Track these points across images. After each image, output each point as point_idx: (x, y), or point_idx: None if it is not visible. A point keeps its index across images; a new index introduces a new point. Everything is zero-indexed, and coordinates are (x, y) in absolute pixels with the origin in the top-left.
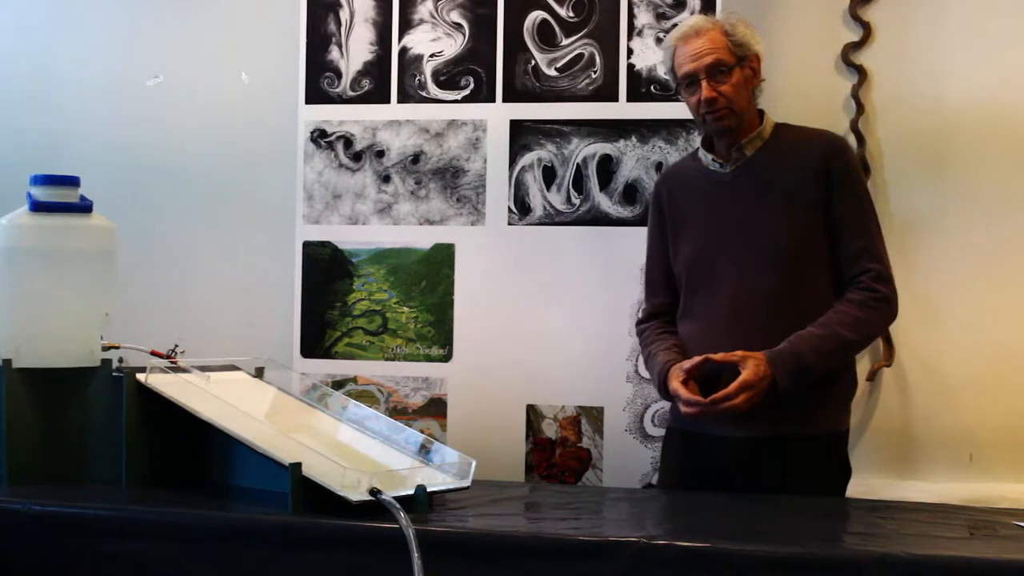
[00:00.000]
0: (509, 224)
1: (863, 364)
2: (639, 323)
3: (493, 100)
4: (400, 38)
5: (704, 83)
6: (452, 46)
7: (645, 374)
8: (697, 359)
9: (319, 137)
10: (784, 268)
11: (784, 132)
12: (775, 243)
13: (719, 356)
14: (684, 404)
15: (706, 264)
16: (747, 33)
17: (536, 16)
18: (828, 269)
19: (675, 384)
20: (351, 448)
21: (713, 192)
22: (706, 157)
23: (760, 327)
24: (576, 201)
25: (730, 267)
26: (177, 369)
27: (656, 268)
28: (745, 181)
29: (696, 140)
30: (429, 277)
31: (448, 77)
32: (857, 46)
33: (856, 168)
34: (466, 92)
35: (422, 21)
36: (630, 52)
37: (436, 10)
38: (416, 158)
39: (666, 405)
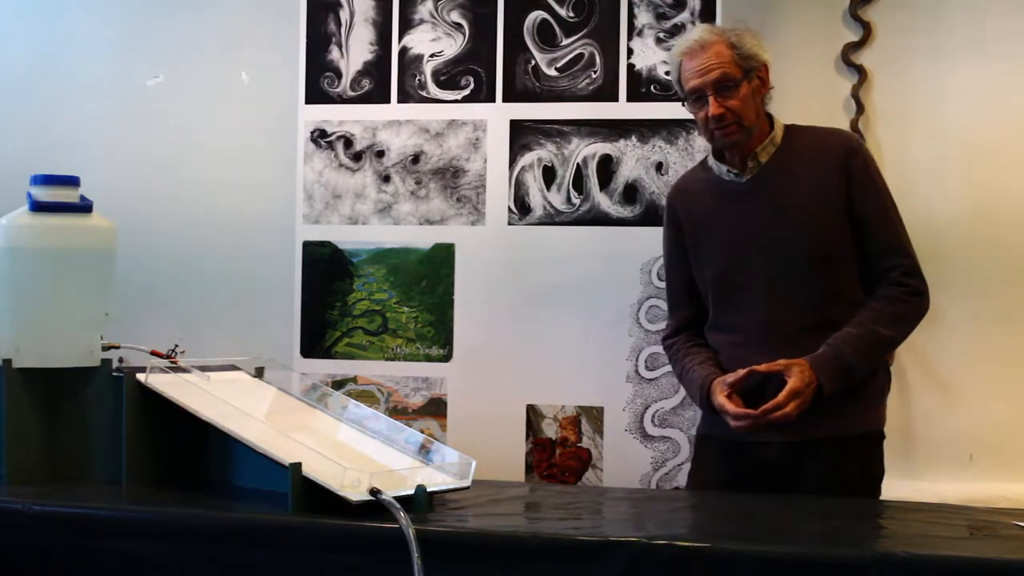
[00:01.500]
0: (509, 224)
1: None
2: (665, 338)
3: (493, 100)
4: (400, 38)
5: (711, 99)
6: (452, 46)
7: (645, 374)
8: (742, 372)
9: (319, 137)
10: (815, 272)
11: (796, 134)
12: (803, 247)
13: (763, 367)
14: (733, 418)
15: (734, 276)
16: (753, 43)
17: (536, 16)
18: (857, 268)
19: (721, 399)
20: (351, 448)
21: (732, 203)
22: (719, 168)
23: (797, 333)
24: (576, 201)
25: (760, 276)
26: (177, 369)
27: (678, 281)
28: (764, 189)
29: (696, 140)
30: (429, 277)
31: (448, 77)
32: (857, 46)
33: (874, 165)
34: (466, 92)
35: (422, 21)
36: (630, 52)
37: (436, 10)
38: (416, 158)
39: (667, 405)
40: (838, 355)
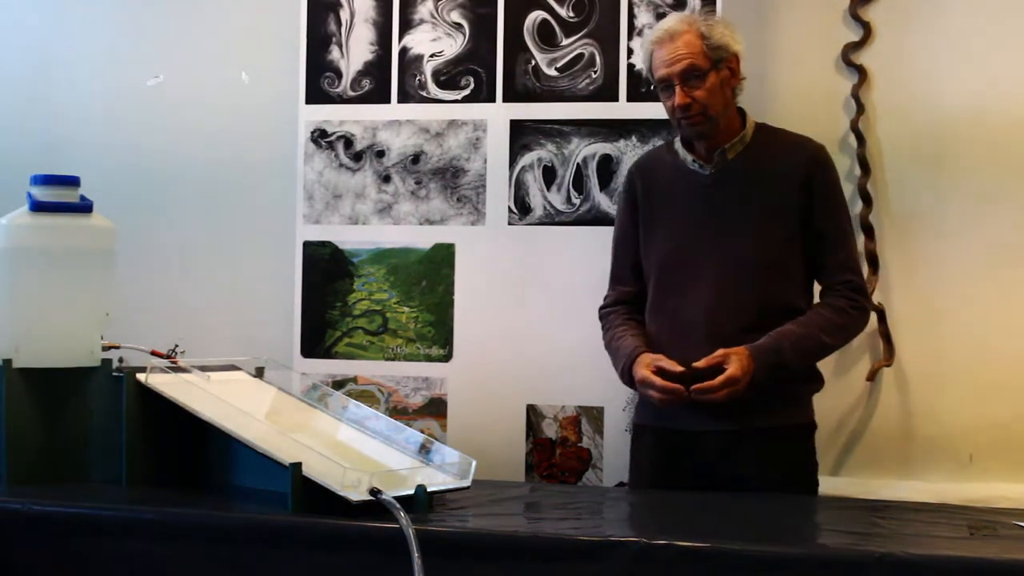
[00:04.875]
0: (509, 224)
1: (863, 364)
2: (603, 308)
3: (493, 100)
4: (400, 38)
5: (678, 88)
6: (452, 46)
7: None
8: (679, 369)
9: (319, 137)
10: (761, 277)
11: (766, 135)
12: (753, 253)
13: (702, 363)
14: (659, 391)
15: (681, 266)
16: (724, 34)
17: (536, 16)
18: (804, 279)
19: (644, 371)
20: (351, 448)
21: (692, 193)
22: (686, 156)
23: (736, 332)
24: (576, 201)
25: (707, 272)
26: (177, 369)
27: (625, 257)
28: (725, 186)
29: None
30: (429, 277)
31: (448, 77)
32: (857, 46)
33: (836, 179)
34: (466, 92)
35: (422, 21)
36: (630, 52)
37: (436, 10)
38: (416, 158)
39: None
40: (778, 350)
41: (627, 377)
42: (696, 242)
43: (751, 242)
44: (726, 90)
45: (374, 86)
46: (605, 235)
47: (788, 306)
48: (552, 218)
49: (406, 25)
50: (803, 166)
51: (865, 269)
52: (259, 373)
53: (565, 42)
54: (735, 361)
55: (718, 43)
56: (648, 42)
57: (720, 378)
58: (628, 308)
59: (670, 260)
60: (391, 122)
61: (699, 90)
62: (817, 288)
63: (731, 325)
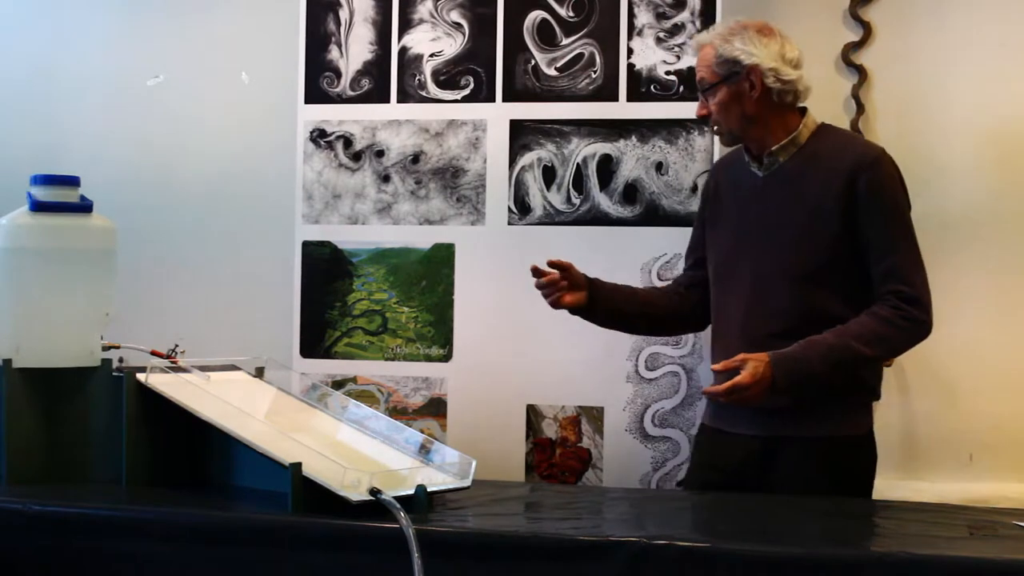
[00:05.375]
0: (509, 224)
1: None
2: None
3: (493, 100)
4: (400, 38)
5: (700, 97)
6: (452, 46)
7: (645, 374)
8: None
9: (319, 137)
10: (797, 284)
11: (823, 138)
12: (792, 259)
13: (719, 366)
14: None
15: (730, 266)
16: (739, 48)
17: (536, 16)
18: (850, 290)
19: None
20: (351, 448)
21: (745, 195)
22: (747, 157)
23: (768, 339)
24: (576, 201)
25: (747, 275)
26: (177, 369)
27: (693, 249)
28: (774, 189)
29: (696, 140)
30: (429, 277)
31: (448, 77)
32: (857, 46)
33: (888, 183)
34: (466, 92)
35: (422, 21)
36: (630, 52)
37: (436, 10)
38: (416, 158)
39: (667, 405)
40: (803, 359)
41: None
42: (743, 244)
43: (789, 247)
44: (745, 103)
45: (373, 86)
46: (605, 235)
47: (826, 314)
48: (552, 218)
49: (405, 25)
50: (846, 171)
51: None
52: (259, 373)
53: (565, 42)
54: (749, 367)
55: (728, 57)
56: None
57: (726, 384)
58: (677, 286)
59: (722, 260)
60: (390, 122)
61: (711, 103)
62: None
63: (763, 330)
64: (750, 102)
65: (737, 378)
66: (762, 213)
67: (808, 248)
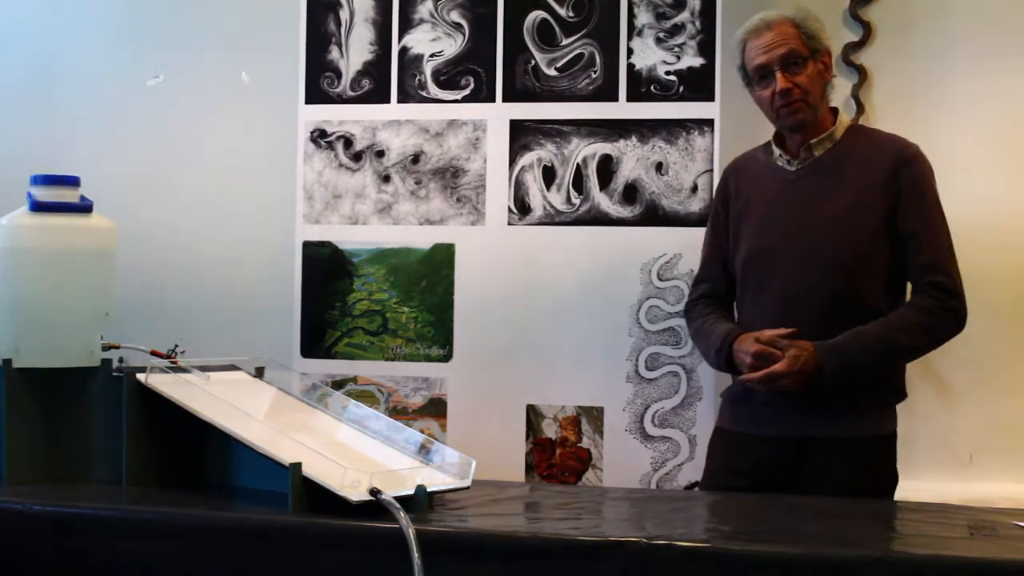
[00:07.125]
0: (509, 224)
1: None
2: (689, 302)
3: (493, 100)
4: (400, 38)
5: (779, 74)
6: (452, 46)
7: (645, 374)
8: (772, 332)
9: (319, 137)
10: (837, 275)
11: (856, 135)
12: (829, 250)
13: (768, 334)
14: (753, 356)
15: (760, 262)
16: (818, 27)
17: (536, 16)
18: (886, 279)
19: (754, 346)
20: (351, 448)
21: (777, 189)
22: (776, 151)
23: (810, 330)
24: (576, 201)
25: (785, 267)
26: (177, 369)
27: (714, 255)
28: (809, 182)
29: (696, 140)
30: (429, 277)
31: (448, 77)
32: (857, 46)
33: (927, 178)
34: (466, 92)
35: (422, 21)
36: (630, 52)
37: (436, 10)
38: (416, 158)
39: (667, 405)
40: (849, 351)
41: (724, 355)
42: (778, 237)
43: (828, 240)
44: (822, 82)
45: (374, 86)
46: (605, 235)
47: (865, 306)
48: (552, 218)
49: (406, 25)
50: (888, 166)
51: None
52: (259, 373)
53: (565, 42)
54: (789, 356)
55: (813, 33)
56: (741, 35)
57: (764, 371)
58: (714, 301)
59: (755, 255)
60: (391, 122)
61: (800, 76)
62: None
63: (803, 321)
64: (823, 83)
65: (776, 366)
66: (798, 205)
67: (848, 238)
